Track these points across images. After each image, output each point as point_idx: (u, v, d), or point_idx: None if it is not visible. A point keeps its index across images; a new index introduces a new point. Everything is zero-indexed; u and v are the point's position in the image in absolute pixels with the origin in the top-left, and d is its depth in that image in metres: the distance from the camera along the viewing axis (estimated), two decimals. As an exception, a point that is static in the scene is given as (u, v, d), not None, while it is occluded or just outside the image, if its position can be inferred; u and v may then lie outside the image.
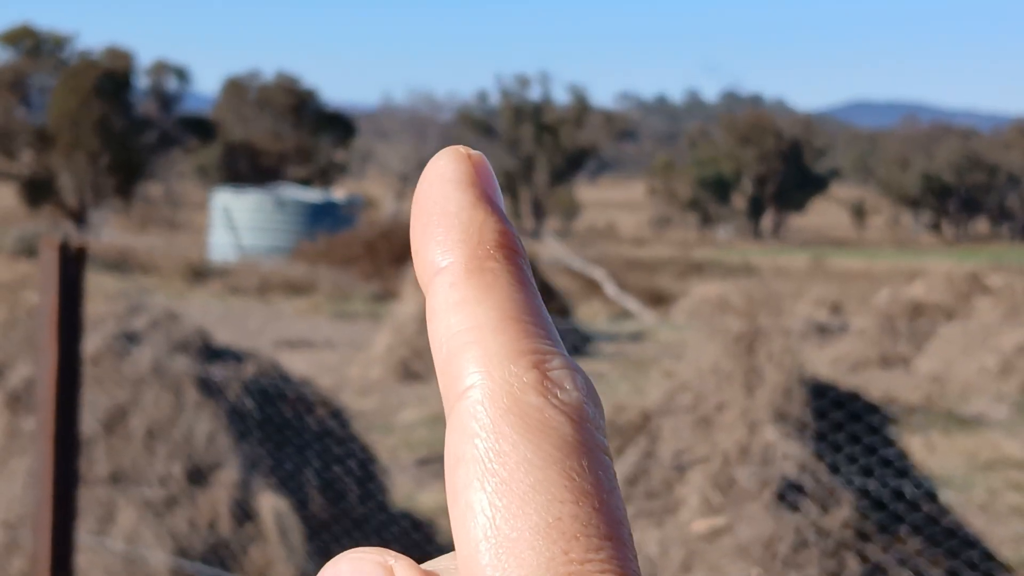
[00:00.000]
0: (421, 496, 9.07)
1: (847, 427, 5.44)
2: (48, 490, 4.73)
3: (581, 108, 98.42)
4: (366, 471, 6.83)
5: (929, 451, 10.86)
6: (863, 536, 5.22)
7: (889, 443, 5.56)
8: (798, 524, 5.18)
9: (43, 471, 4.75)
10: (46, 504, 4.74)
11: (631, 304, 27.28)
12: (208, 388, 6.55)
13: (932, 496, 5.52)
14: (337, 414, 6.94)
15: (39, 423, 4.77)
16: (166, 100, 72.62)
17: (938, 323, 17.47)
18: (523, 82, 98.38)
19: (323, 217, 35.50)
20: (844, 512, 5.23)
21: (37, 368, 4.77)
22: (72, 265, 4.79)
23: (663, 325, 21.98)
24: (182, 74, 72.96)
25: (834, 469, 5.33)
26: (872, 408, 5.60)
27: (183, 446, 6.42)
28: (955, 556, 5.28)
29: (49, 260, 4.79)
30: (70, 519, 4.82)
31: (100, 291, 7.51)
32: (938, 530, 5.33)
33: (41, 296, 4.81)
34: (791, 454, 5.32)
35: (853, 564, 5.16)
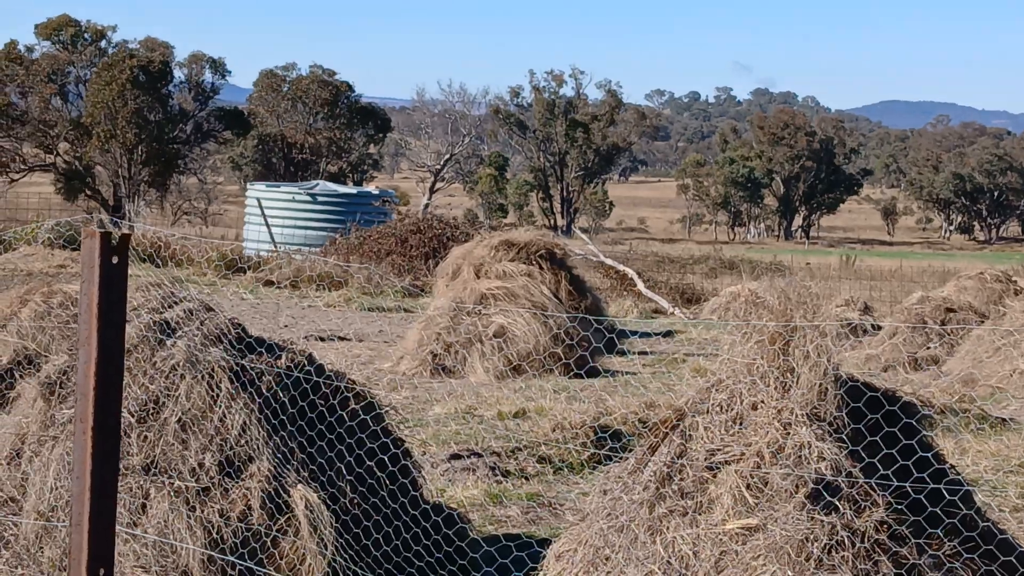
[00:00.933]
0: (453, 491, 9.03)
1: (883, 428, 5.38)
2: (87, 482, 4.70)
3: (614, 104, 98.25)
4: (400, 465, 6.80)
5: (960, 453, 10.77)
6: (897, 538, 5.16)
7: (925, 445, 5.50)
8: (832, 525, 5.13)
9: (82, 463, 4.72)
10: (85, 496, 4.71)
11: (662, 301, 27.20)
12: (242, 380, 6.53)
13: (968, 499, 5.46)
14: (371, 408, 6.91)
15: (78, 414, 4.74)
16: (202, 92, 72.67)
17: (970, 325, 17.36)
18: (556, 79, 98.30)
19: (356, 211, 35.51)
20: (878, 514, 5.17)
21: (77, 359, 4.73)
22: (114, 255, 4.74)
23: (696, 323, 21.90)
24: (218, 66, 72.97)
25: (869, 470, 5.27)
26: (908, 409, 5.54)
27: (216, 437, 6.40)
28: (991, 560, 5.21)
29: (90, 250, 4.75)
30: (110, 512, 4.78)
31: (134, 282, 7.49)
32: (974, 533, 5.27)
33: (82, 286, 4.77)
34: (825, 454, 5.27)
35: (887, 566, 5.10)
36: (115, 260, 4.74)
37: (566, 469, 10.06)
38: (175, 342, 6.67)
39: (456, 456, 9.98)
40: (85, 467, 4.69)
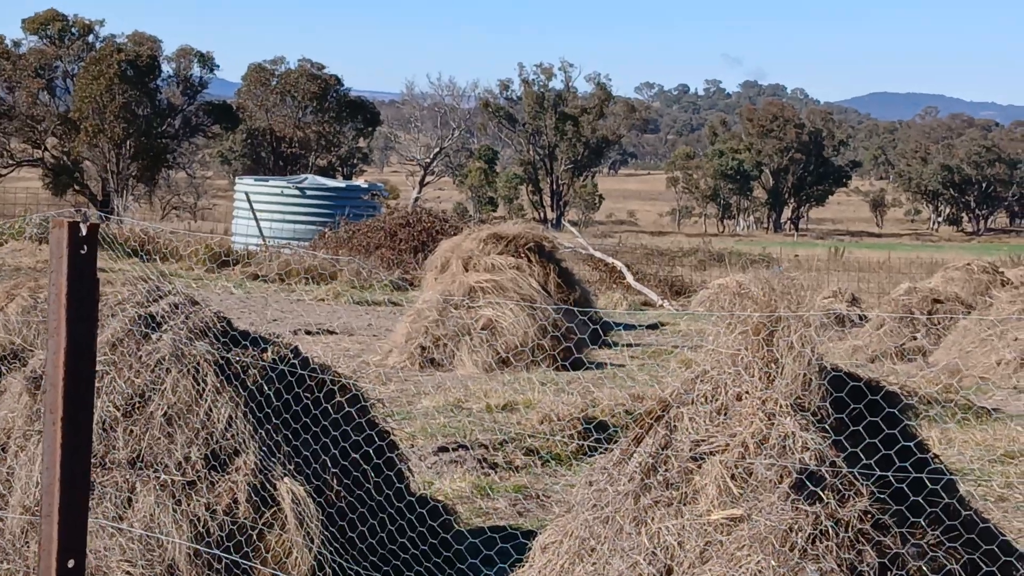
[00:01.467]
0: (440, 484, 9.04)
1: (866, 418, 5.39)
2: (56, 473, 4.70)
3: (603, 97, 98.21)
4: (386, 458, 6.80)
5: (946, 443, 10.80)
6: (881, 527, 5.17)
7: (909, 435, 5.51)
8: (816, 515, 5.14)
9: (52, 454, 4.72)
10: (55, 487, 4.71)
11: (651, 294, 27.22)
12: (227, 373, 6.53)
13: (951, 488, 5.47)
14: (357, 400, 6.91)
15: (48, 405, 4.74)
16: (191, 86, 72.56)
17: (956, 315, 17.39)
18: (546, 72, 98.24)
19: (345, 205, 35.51)
20: (862, 503, 5.19)
21: (47, 350, 4.73)
22: (83, 245, 4.74)
23: (681, 314, 21.94)
24: (206, 60, 72.84)
25: (852, 460, 5.28)
26: (892, 399, 5.55)
27: (202, 431, 6.40)
28: (974, 548, 5.23)
29: (58, 240, 4.75)
30: (80, 504, 4.78)
31: (121, 276, 7.49)
32: (957, 522, 5.28)
33: (50, 277, 4.77)
34: (809, 444, 5.28)
35: (870, 556, 5.11)
36: (84, 250, 4.73)
37: (553, 461, 10.08)
38: (160, 336, 6.67)
39: (444, 449, 9.99)
40: (55, 458, 4.68)
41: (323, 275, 24.89)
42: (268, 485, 6.30)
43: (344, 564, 6.24)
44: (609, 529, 5.52)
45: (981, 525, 5.43)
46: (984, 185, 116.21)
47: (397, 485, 6.76)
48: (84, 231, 4.75)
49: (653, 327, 20.85)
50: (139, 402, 6.50)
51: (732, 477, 5.33)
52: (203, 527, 6.18)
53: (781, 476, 5.24)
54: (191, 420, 6.42)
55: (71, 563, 4.74)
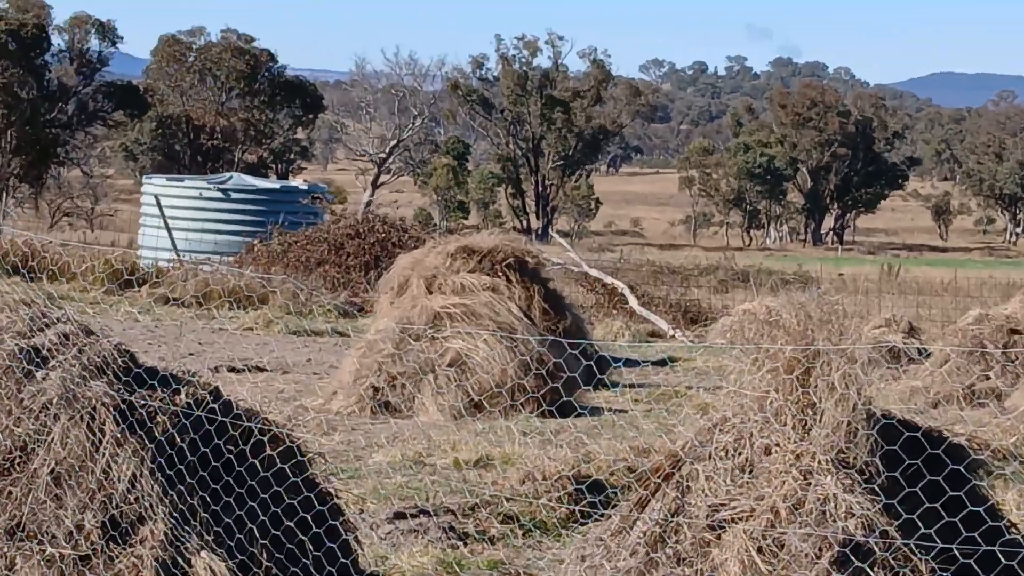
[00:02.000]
0: (396, 558, 9.04)
1: (925, 477, 5.41)
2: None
3: (600, 78, 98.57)
4: (328, 526, 6.80)
5: (1027, 508, 10.83)
6: (944, 613, 5.20)
7: (979, 497, 5.54)
8: (863, 597, 5.17)
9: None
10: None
11: (660, 322, 27.28)
12: (130, 420, 6.52)
13: (1031, 564, 5.50)
14: (292, 455, 6.91)
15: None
16: (87, 63, 72.60)
17: (1039, 349, 17.45)
18: (529, 46, 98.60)
19: (279, 211, 35.50)
20: (921, 583, 5.22)
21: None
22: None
23: (698, 348, 21.98)
24: (107, 31, 72.89)
25: (909, 529, 5.31)
26: (958, 453, 5.58)
27: (98, 493, 6.39)
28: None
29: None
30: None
31: (-1, 299, 7.49)
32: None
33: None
34: (855, 510, 5.31)
35: (931, 648, 5.14)
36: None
37: (538, 530, 10.09)
38: (47, 374, 6.67)
39: (401, 515, 9.99)
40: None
41: (251, 298, 24.89)
42: (181, 560, 6.29)
43: (276, 659, 6.24)
44: (607, 616, 5.54)
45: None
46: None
47: (342, 560, 6.77)
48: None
49: (662, 363, 20.89)
50: (20, 457, 6.50)
51: (759, 550, 5.35)
52: (99, 613, 6.18)
53: (820, 549, 5.27)
54: (85, 479, 6.42)
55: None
